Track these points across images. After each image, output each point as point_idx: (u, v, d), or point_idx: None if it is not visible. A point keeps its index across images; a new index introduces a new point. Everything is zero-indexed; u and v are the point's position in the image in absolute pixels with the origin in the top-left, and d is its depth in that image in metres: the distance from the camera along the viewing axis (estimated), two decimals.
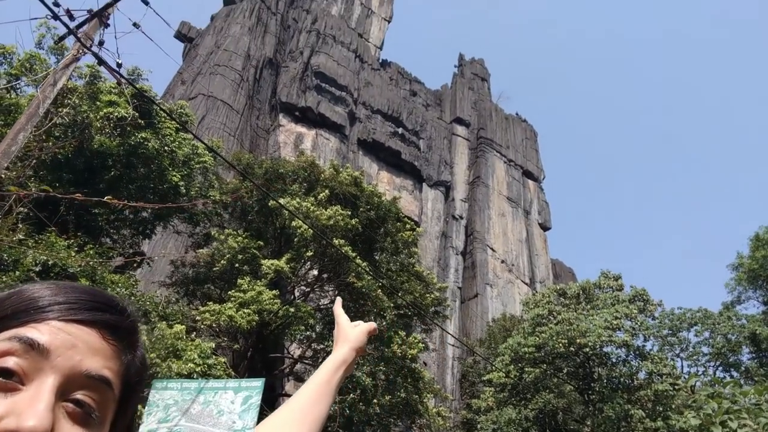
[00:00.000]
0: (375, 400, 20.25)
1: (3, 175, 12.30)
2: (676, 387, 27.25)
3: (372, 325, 1.45)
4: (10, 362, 0.58)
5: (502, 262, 54.85)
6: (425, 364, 33.56)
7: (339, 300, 1.60)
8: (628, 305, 29.70)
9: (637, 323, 29.53)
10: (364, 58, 63.37)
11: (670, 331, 34.37)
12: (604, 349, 29.43)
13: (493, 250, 54.78)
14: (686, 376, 30.24)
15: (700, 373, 32.83)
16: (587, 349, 27.83)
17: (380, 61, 68.63)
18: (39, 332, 0.61)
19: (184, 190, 19.74)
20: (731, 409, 8.78)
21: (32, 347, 0.60)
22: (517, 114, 75.01)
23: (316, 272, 23.52)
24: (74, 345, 0.63)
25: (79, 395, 0.62)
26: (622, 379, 28.99)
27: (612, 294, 31.99)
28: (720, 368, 33.61)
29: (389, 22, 72.73)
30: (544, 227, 64.36)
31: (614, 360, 29.78)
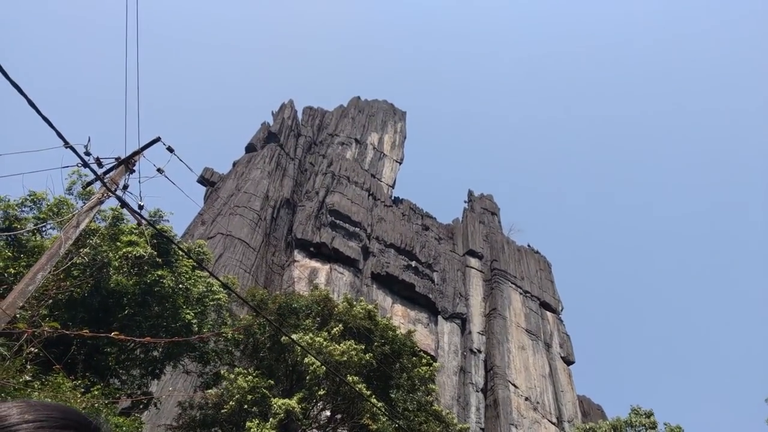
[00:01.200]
0: None
1: (17, 315, 12.42)
2: None
3: None
4: None
5: (526, 399, 52.02)
6: None
7: None
8: None
9: None
10: (377, 195, 65.90)
11: None
12: None
13: (515, 386, 52.25)
14: None
15: None
16: None
17: (392, 198, 71.23)
18: None
19: (197, 328, 19.63)
20: None
21: None
22: (529, 245, 75.70)
23: (328, 413, 22.44)
24: None
25: None
26: None
27: None
28: None
29: (400, 163, 76.66)
30: (568, 361, 61.83)
31: None
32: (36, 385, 12.40)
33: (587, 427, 32.97)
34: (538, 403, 52.91)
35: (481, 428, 48.95)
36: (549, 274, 72.32)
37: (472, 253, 67.61)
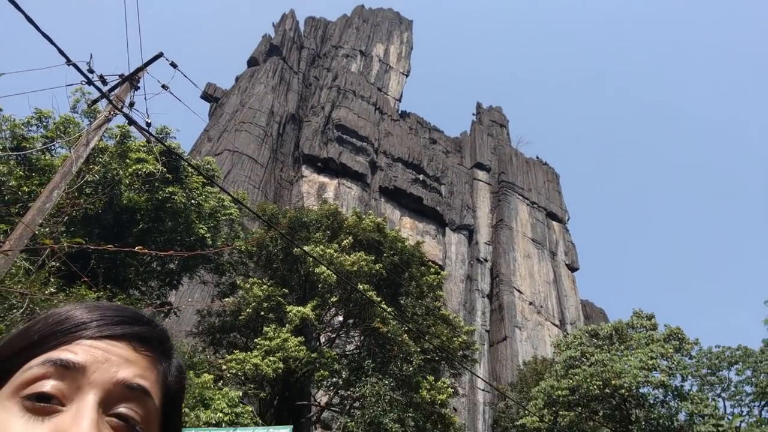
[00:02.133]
0: None
1: (37, 231, 12.85)
2: (720, 428, 26.00)
3: None
4: (47, 386, 0.58)
5: (530, 304, 53.90)
6: (455, 409, 32.70)
7: None
8: (663, 344, 28.84)
9: (673, 363, 28.55)
10: (384, 110, 64.91)
11: (709, 370, 32.96)
12: (641, 390, 28.41)
13: (520, 292, 53.97)
14: (729, 417, 28.86)
15: (744, 413, 31.23)
16: (623, 391, 26.92)
17: (399, 112, 70.14)
18: (71, 352, 0.61)
19: (210, 242, 20.19)
20: None
21: (66, 368, 0.59)
22: (537, 157, 75.25)
23: (341, 318, 23.52)
24: (108, 360, 0.62)
25: (121, 409, 0.61)
26: (661, 421, 27.83)
27: (646, 334, 31.14)
28: (765, 408, 31.97)
29: (407, 76, 74.71)
30: (572, 268, 63.34)
31: (652, 401, 28.68)
32: (61, 297, 13.04)
33: (589, 328, 34.34)
34: (541, 307, 54.87)
35: (486, 330, 51.17)
36: (556, 185, 72.42)
37: (479, 166, 67.49)
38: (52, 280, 13.62)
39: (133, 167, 18.47)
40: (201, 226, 20.04)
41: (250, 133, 50.71)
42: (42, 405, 0.56)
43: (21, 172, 17.33)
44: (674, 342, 29.78)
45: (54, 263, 13.61)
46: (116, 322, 0.66)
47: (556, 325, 54.24)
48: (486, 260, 57.37)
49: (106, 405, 0.59)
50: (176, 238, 19.69)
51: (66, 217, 16.14)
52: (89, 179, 17.41)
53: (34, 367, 0.59)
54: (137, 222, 18.85)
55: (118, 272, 18.06)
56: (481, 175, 66.61)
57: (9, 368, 0.60)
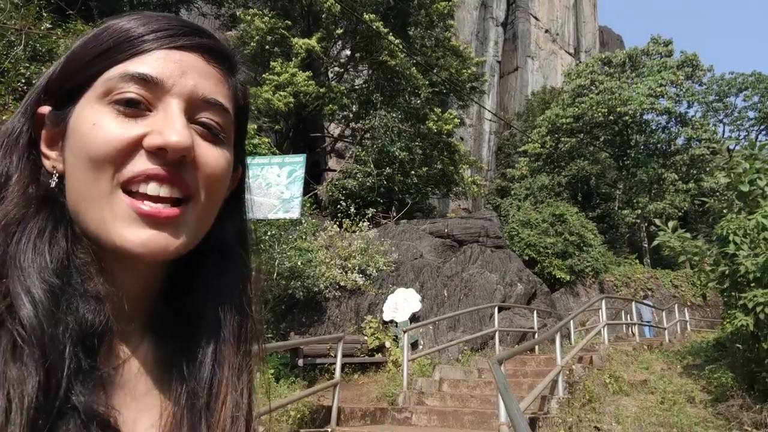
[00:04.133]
0: (412, 172, 21.36)
1: None
2: (713, 151, 27.33)
3: None
4: (131, 93, 0.57)
5: (546, 31, 51.63)
6: (462, 138, 34.25)
7: None
8: (675, 71, 28.46)
9: (682, 90, 28.59)
10: None
11: (717, 97, 33.18)
12: (645, 117, 29.12)
13: (536, 18, 51.21)
14: (728, 142, 30.11)
15: (741, 137, 32.47)
16: (627, 118, 27.63)
17: None
18: (146, 64, 0.58)
19: None
20: (762, 169, 8.97)
21: (146, 81, 0.58)
22: None
23: (348, 52, 23.00)
24: (185, 72, 0.60)
25: (203, 118, 0.61)
26: (659, 145, 29.20)
27: (660, 60, 30.50)
28: (763, 132, 33.08)
29: None
30: None
31: (654, 127, 29.63)
32: (59, 32, 12.68)
33: (603, 56, 33.57)
34: (557, 34, 52.75)
35: (497, 61, 50.24)
36: None
37: None
38: (45, 14, 13.07)
39: None
40: None
41: None
42: (131, 109, 0.57)
43: None
44: (687, 69, 29.34)
45: None
46: (185, 32, 0.62)
47: (570, 54, 52.81)
48: None
49: (189, 114, 0.60)
50: None
51: None
52: None
53: (113, 78, 0.57)
54: None
55: (111, 7, 17.15)
56: None
57: (86, 78, 0.59)
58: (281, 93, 18.81)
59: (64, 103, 0.60)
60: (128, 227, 0.55)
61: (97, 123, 0.56)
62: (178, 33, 0.62)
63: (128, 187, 0.56)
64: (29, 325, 0.49)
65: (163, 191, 0.57)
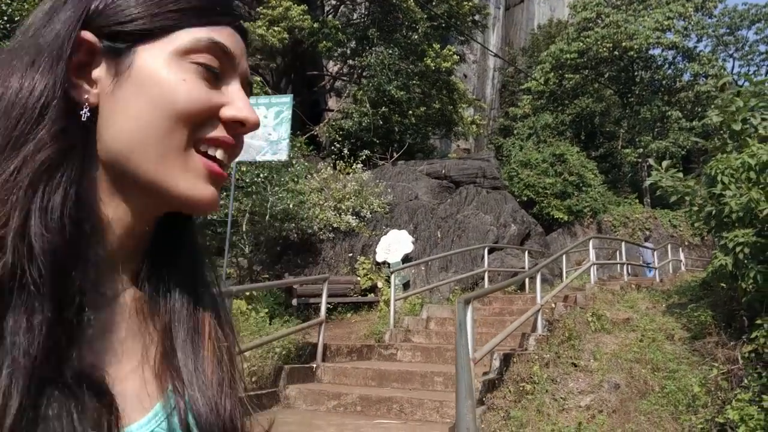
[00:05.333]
0: (410, 112, 21.06)
1: None
2: (721, 88, 26.58)
3: None
4: (215, 62, 0.59)
5: None
6: (465, 76, 33.48)
7: None
8: (684, 3, 27.30)
9: (691, 23, 27.56)
10: None
11: (728, 30, 31.97)
12: (651, 52, 28.25)
13: None
14: (736, 77, 29.29)
15: (751, 72, 31.53)
16: (632, 53, 26.81)
17: None
18: (224, 38, 0.60)
19: None
20: (757, 106, 8.75)
21: (226, 54, 0.59)
22: None
23: None
24: (243, 53, 0.63)
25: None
26: (664, 82, 28.47)
27: None
28: None
29: None
30: None
31: (659, 63, 28.79)
32: None
33: None
34: None
35: None
36: None
37: None
38: None
39: None
40: None
41: None
42: (212, 76, 0.58)
43: None
44: (697, 0, 28.12)
45: None
46: (239, 13, 0.64)
47: None
48: None
49: None
50: None
51: None
52: None
53: (202, 40, 0.58)
54: None
55: None
56: None
57: (159, 25, 0.57)
58: (275, 28, 18.34)
59: (114, 38, 0.56)
60: (200, 182, 0.59)
61: (188, 80, 0.57)
62: (237, 13, 0.64)
63: (198, 147, 0.59)
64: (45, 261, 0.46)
65: (225, 157, 0.61)
